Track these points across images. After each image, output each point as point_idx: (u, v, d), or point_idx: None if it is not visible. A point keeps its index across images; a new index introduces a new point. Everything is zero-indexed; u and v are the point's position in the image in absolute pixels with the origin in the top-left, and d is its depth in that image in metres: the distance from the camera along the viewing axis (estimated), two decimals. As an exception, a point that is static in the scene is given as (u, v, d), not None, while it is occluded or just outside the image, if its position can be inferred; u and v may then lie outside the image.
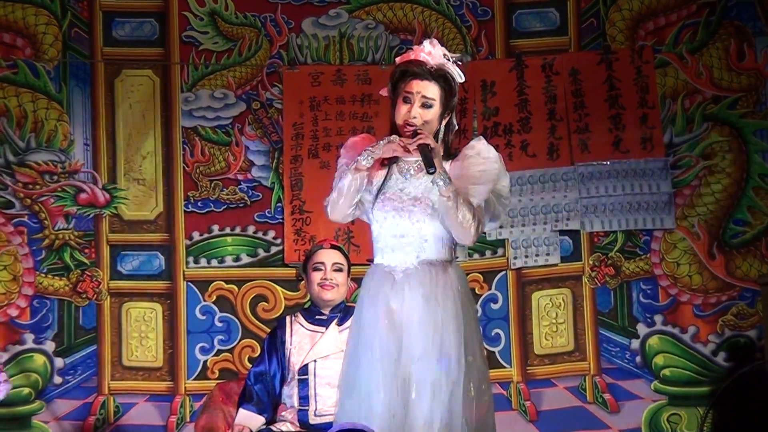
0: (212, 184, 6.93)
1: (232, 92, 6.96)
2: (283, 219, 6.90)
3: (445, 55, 4.18)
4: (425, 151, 4.02)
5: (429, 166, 3.99)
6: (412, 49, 4.23)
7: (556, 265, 6.93)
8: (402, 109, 4.15)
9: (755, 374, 6.35)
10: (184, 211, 6.91)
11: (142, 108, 6.93)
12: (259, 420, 5.31)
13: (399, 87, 4.17)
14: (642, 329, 6.88)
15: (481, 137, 4.28)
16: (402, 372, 4.07)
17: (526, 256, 6.89)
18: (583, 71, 6.96)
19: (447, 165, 4.16)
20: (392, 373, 4.07)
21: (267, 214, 6.94)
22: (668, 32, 7.01)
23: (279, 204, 6.93)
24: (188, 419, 6.75)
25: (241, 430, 5.25)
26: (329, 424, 5.11)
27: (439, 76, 4.14)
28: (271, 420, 5.33)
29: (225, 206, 6.93)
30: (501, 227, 6.80)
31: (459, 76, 4.19)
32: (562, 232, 6.92)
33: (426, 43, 4.20)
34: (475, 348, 4.15)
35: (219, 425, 5.56)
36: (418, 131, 4.08)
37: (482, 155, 4.18)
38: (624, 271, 6.92)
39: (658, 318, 6.89)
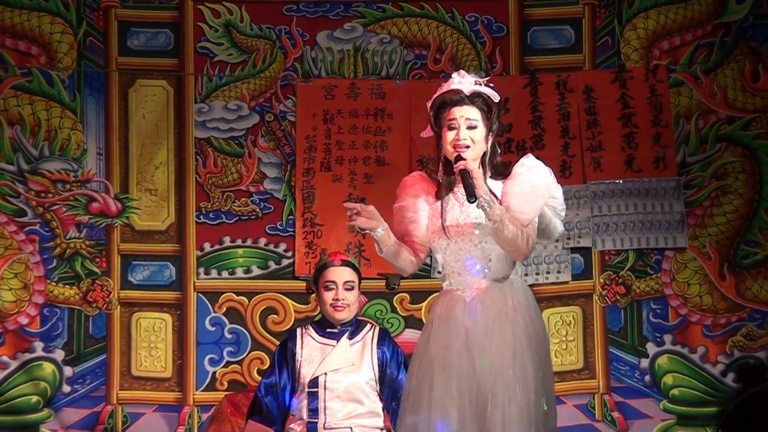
0: (224, 196, 6.98)
1: (246, 104, 7.01)
2: (294, 232, 6.96)
3: (476, 81, 4.33)
4: (466, 180, 4.14)
5: (469, 196, 4.12)
6: (441, 84, 4.37)
7: (567, 282, 6.96)
8: (449, 136, 4.28)
9: (764, 395, 6.35)
10: (196, 222, 6.96)
11: (155, 118, 6.99)
12: (268, 432, 5.35)
13: (440, 118, 4.32)
14: (651, 348, 6.91)
15: (530, 154, 4.41)
16: (476, 388, 4.17)
17: (537, 273, 6.92)
18: (597, 89, 7.01)
19: (499, 184, 4.30)
20: (466, 390, 4.18)
21: (278, 226, 6.99)
22: (683, 52, 7.05)
23: (291, 216, 6.97)
24: (196, 430, 6.79)
25: (250, 442, 5.28)
26: (338, 438, 5.22)
27: (477, 98, 4.30)
28: (280, 432, 5.37)
29: (236, 218, 6.98)
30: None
31: (495, 96, 4.34)
32: (573, 250, 6.96)
33: (454, 75, 4.36)
34: (544, 362, 4.28)
35: (227, 437, 5.67)
36: (461, 156, 4.21)
37: (533, 171, 4.31)
38: (634, 290, 6.96)
39: (667, 337, 6.92)
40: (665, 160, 6.95)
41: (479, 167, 4.27)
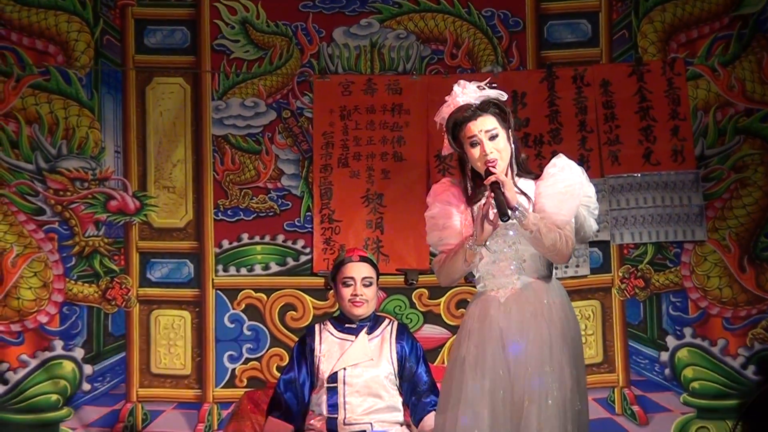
0: (242, 193, 7.01)
1: (263, 101, 7.03)
2: (312, 228, 6.98)
3: (478, 86, 4.36)
4: (498, 195, 4.15)
5: (502, 215, 4.14)
6: (446, 100, 4.38)
7: (585, 276, 6.97)
8: (475, 153, 4.31)
9: None
10: (214, 219, 6.98)
11: (172, 116, 7.02)
12: (287, 428, 5.41)
13: (459, 137, 4.34)
14: (671, 341, 6.91)
15: (561, 154, 4.46)
16: (511, 388, 4.22)
17: (556, 268, 6.90)
18: (615, 83, 7.01)
19: (530, 183, 4.36)
20: (500, 390, 4.22)
21: (296, 223, 7.01)
22: (700, 45, 7.04)
23: (308, 213, 6.99)
24: (216, 427, 6.82)
25: (270, 439, 5.34)
26: (358, 433, 5.27)
27: (487, 106, 4.33)
28: (300, 428, 5.42)
29: (254, 215, 7.00)
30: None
31: (502, 95, 4.38)
32: (591, 244, 6.93)
33: (456, 87, 4.37)
34: (579, 361, 4.33)
35: (247, 434, 5.71)
36: (490, 169, 4.24)
37: (565, 171, 4.36)
38: (654, 283, 6.96)
39: (687, 330, 6.91)
40: (683, 152, 6.95)
41: (508, 167, 4.32)
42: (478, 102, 4.32)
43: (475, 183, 4.38)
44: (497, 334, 4.28)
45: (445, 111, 4.39)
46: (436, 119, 4.42)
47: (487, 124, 4.30)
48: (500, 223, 4.19)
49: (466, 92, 4.34)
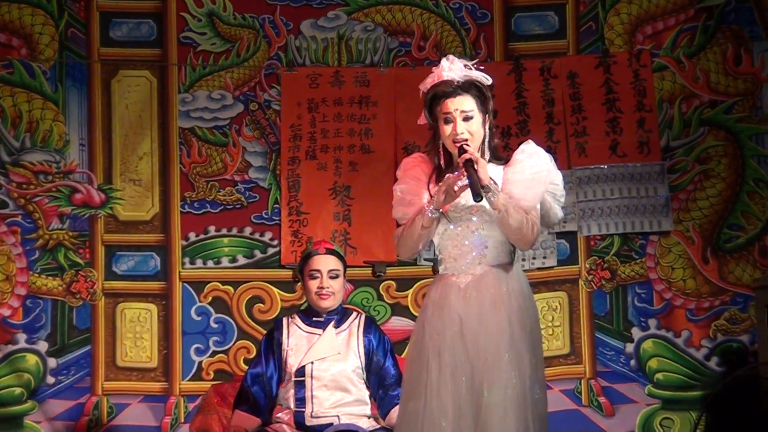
0: (209, 185, 7.00)
1: (230, 93, 7.02)
2: (279, 220, 6.98)
3: (465, 65, 4.38)
4: (471, 175, 4.20)
5: (476, 194, 4.18)
6: (432, 71, 4.41)
7: (552, 267, 7.00)
8: (446, 130, 4.34)
9: (747, 379, 6.38)
10: (181, 211, 6.96)
11: (138, 109, 6.99)
12: (255, 422, 5.43)
13: (435, 110, 4.38)
14: (636, 333, 6.94)
15: (530, 140, 4.49)
16: (471, 375, 4.26)
17: (523, 259, 6.91)
18: (581, 74, 7.04)
19: (500, 170, 4.38)
20: (462, 377, 4.26)
21: (264, 215, 7.00)
22: (666, 36, 7.08)
23: (276, 205, 6.99)
24: (182, 420, 6.81)
25: (237, 432, 5.37)
26: (325, 426, 5.30)
27: (469, 86, 4.35)
28: (267, 422, 5.45)
29: (221, 207, 6.99)
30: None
31: (486, 79, 4.39)
32: (559, 235, 6.98)
33: (444, 61, 4.39)
34: (537, 349, 4.38)
35: (214, 427, 5.69)
36: (464, 146, 4.27)
37: (533, 157, 4.40)
38: (620, 274, 6.99)
39: (652, 322, 6.94)
40: (649, 144, 6.98)
41: (479, 152, 4.34)
42: (461, 80, 4.34)
43: (447, 159, 4.41)
44: (456, 322, 4.31)
45: (429, 81, 4.41)
46: (420, 87, 4.43)
47: (465, 104, 4.33)
48: (463, 196, 4.25)
49: (453, 68, 4.36)
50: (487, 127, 4.39)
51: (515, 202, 4.29)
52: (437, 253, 4.47)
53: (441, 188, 4.30)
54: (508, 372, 4.23)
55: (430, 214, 4.32)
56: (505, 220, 4.25)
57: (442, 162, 4.42)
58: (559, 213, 4.51)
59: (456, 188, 4.25)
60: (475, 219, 4.35)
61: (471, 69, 4.38)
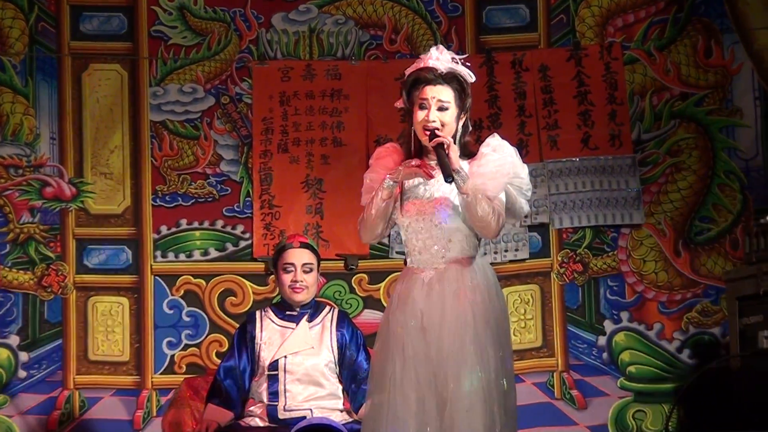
0: (180, 178, 7.00)
1: (201, 87, 7.03)
2: (251, 213, 6.99)
3: (453, 58, 4.41)
4: (442, 158, 4.24)
5: (447, 176, 4.22)
6: (420, 57, 4.43)
7: (524, 260, 7.02)
8: (419, 115, 4.36)
9: (719, 371, 6.39)
10: (152, 205, 6.97)
11: (109, 102, 6.99)
12: (227, 415, 5.44)
13: (413, 95, 4.39)
14: (609, 326, 6.97)
15: (496, 134, 4.52)
16: (434, 370, 4.28)
17: (495, 252, 6.97)
18: (553, 67, 7.06)
19: (466, 164, 4.38)
20: (425, 371, 4.28)
21: (236, 208, 7.02)
22: (637, 29, 7.10)
23: (248, 198, 7.00)
24: (155, 414, 6.82)
25: (210, 426, 5.37)
26: (298, 419, 5.31)
27: (451, 78, 4.37)
28: (240, 415, 5.47)
29: (193, 200, 7.00)
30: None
31: (470, 76, 4.42)
32: (531, 228, 7.01)
33: (433, 50, 4.41)
34: (504, 342, 4.39)
35: (186, 421, 5.71)
36: (436, 132, 4.29)
37: (498, 151, 4.41)
38: (592, 267, 7.01)
39: (624, 315, 6.98)
40: (621, 137, 7.01)
41: None
42: (445, 71, 4.36)
43: (418, 147, 4.43)
44: (418, 317, 4.33)
45: (413, 65, 4.43)
46: (406, 71, 4.45)
47: (443, 94, 4.34)
48: (428, 189, 4.30)
49: (441, 58, 4.38)
50: (461, 123, 4.41)
51: (480, 191, 4.32)
52: (404, 245, 4.49)
53: (405, 163, 4.34)
54: (472, 365, 4.25)
55: (385, 185, 4.34)
56: (472, 206, 4.27)
57: (412, 149, 4.44)
58: (525, 206, 4.52)
59: (414, 163, 4.29)
60: (438, 211, 4.38)
61: (458, 63, 4.40)
